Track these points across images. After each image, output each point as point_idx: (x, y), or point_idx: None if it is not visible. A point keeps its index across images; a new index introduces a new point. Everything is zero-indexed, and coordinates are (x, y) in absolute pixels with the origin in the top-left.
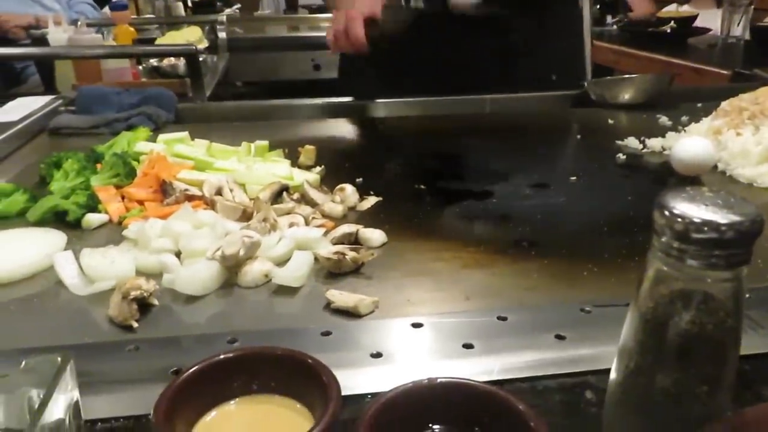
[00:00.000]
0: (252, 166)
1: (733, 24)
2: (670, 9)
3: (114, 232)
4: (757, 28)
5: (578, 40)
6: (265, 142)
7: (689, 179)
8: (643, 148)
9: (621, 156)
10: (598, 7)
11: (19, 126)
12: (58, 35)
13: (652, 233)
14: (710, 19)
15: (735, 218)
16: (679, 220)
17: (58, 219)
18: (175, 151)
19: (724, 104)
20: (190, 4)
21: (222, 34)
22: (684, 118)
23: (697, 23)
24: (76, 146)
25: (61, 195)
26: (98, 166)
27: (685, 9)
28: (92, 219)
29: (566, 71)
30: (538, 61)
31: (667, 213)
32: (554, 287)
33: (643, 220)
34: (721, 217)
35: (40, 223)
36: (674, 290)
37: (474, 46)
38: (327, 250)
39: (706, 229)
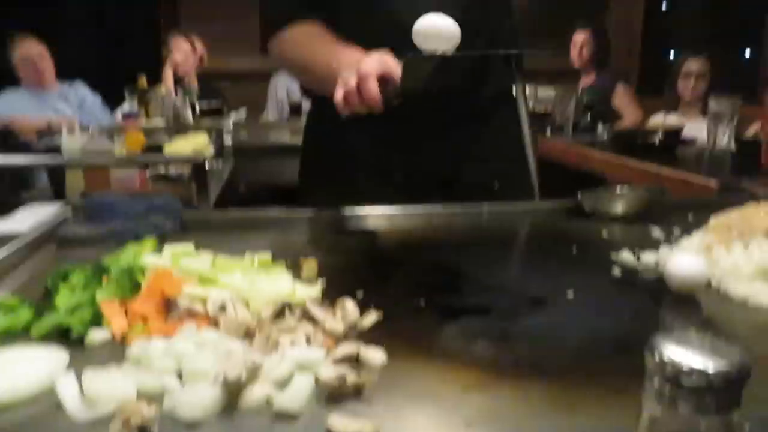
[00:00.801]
0: (255, 282)
1: (719, 135)
2: (658, 119)
3: (117, 350)
4: (742, 140)
5: (519, 146)
6: (268, 256)
7: (684, 296)
8: (638, 262)
9: (617, 271)
10: (589, 119)
11: (28, 237)
12: (71, 144)
13: (645, 375)
14: (697, 130)
15: (723, 366)
16: (670, 366)
17: (61, 334)
18: (180, 265)
19: (712, 221)
20: (198, 110)
21: (228, 140)
22: (676, 231)
23: (685, 133)
24: (83, 257)
25: (65, 310)
26: (104, 279)
27: (672, 119)
28: (95, 337)
29: (511, 181)
30: (479, 164)
31: (657, 358)
32: (556, 413)
33: (641, 342)
34: (710, 364)
35: (44, 338)
36: None
37: (421, 144)
38: (328, 373)
39: (695, 377)
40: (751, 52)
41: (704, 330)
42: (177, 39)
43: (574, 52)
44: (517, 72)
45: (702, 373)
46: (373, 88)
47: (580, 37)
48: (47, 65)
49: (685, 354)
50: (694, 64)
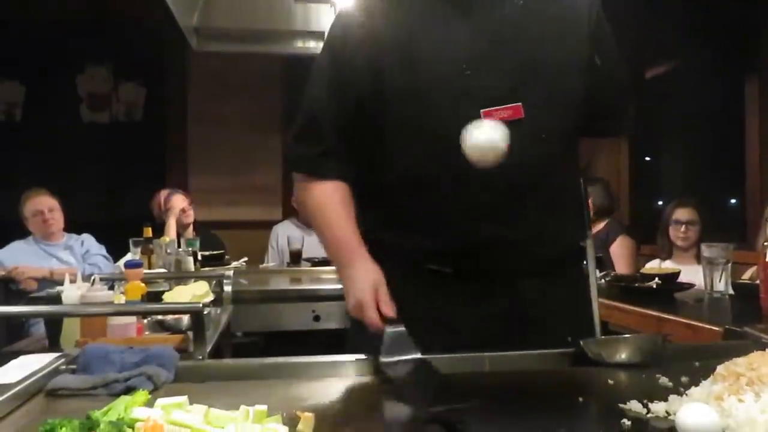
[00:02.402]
0: None
1: (715, 280)
2: (653, 265)
3: None
4: (738, 285)
5: (585, 301)
6: (264, 408)
7: None
8: (647, 413)
9: (626, 422)
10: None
11: (17, 388)
12: (71, 292)
13: None
14: (693, 274)
15: None
16: None
17: None
18: (172, 419)
19: (720, 368)
20: (200, 258)
21: (227, 288)
22: (684, 379)
23: (681, 278)
24: (72, 409)
25: None
26: None
27: (668, 264)
28: None
29: (577, 332)
30: (547, 322)
31: None
32: None
33: None
34: None
35: None
36: None
37: (483, 308)
38: None
39: None
40: (735, 201)
41: None
42: (176, 195)
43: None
44: (588, 227)
45: None
46: (373, 317)
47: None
48: (58, 219)
49: None
50: (682, 214)
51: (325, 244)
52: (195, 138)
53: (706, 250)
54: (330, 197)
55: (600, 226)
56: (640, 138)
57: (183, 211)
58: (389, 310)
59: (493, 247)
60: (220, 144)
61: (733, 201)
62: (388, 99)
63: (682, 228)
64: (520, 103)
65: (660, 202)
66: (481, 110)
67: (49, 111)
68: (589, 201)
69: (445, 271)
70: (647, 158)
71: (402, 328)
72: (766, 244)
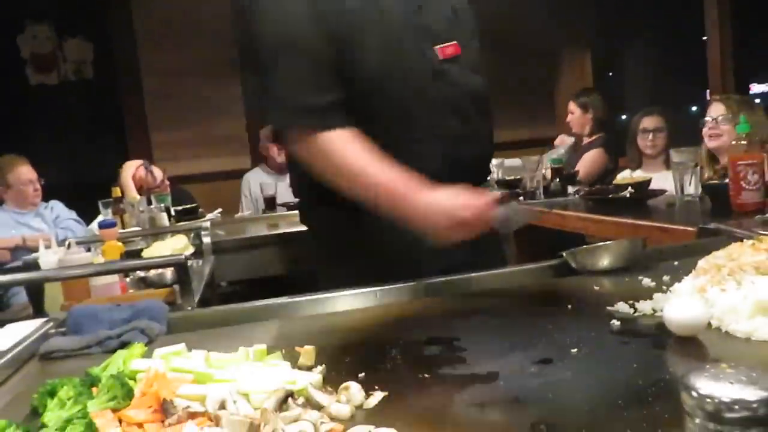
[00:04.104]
0: (253, 374)
1: (685, 184)
2: (625, 175)
3: None
4: (707, 186)
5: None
6: (263, 347)
7: (687, 340)
8: (634, 312)
9: (615, 322)
10: (558, 180)
11: (9, 355)
12: (48, 257)
13: (684, 414)
14: (663, 181)
15: (764, 393)
16: (709, 401)
17: None
18: (173, 366)
19: (701, 263)
20: (173, 213)
21: (206, 239)
22: (666, 278)
23: (652, 186)
24: (68, 370)
25: (56, 427)
26: (94, 390)
27: (638, 174)
28: None
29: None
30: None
31: (695, 394)
32: None
33: (654, 388)
34: (750, 393)
35: None
36: None
37: None
38: None
39: (737, 407)
40: (698, 108)
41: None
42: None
43: (571, 119)
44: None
45: (744, 403)
46: (484, 220)
47: (573, 107)
48: (38, 191)
49: (723, 387)
50: (649, 122)
51: (372, 196)
52: (151, 92)
53: (675, 155)
54: (353, 147)
55: (594, 138)
56: (601, 55)
57: (161, 183)
58: (488, 207)
59: (466, 166)
60: (178, 96)
61: (694, 108)
62: (353, 35)
63: (650, 136)
64: (455, 41)
65: (624, 117)
66: (434, 47)
67: None
68: (588, 113)
69: None
70: (609, 73)
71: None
72: (733, 143)
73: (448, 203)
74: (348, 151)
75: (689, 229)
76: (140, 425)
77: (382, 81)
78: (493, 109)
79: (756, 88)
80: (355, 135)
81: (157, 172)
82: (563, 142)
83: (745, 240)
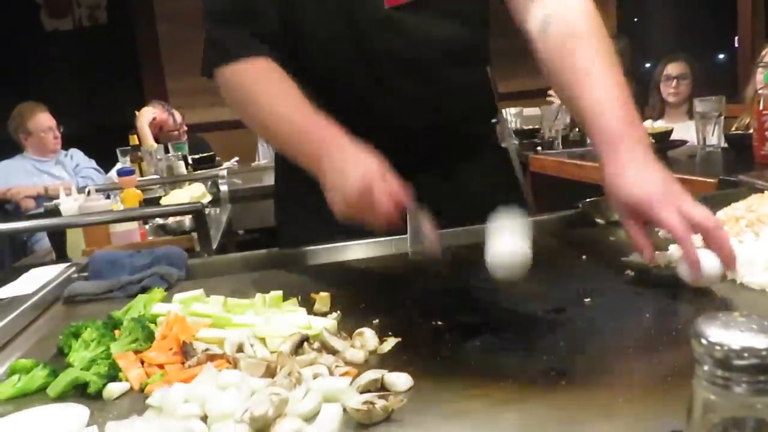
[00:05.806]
0: (270, 319)
1: (707, 135)
2: (646, 125)
3: (137, 401)
4: (731, 136)
5: (509, 173)
6: (279, 293)
7: (702, 290)
8: (649, 263)
9: (629, 272)
10: (576, 130)
11: (34, 298)
12: (69, 204)
13: (694, 361)
14: (685, 131)
15: None
16: (718, 348)
17: (79, 391)
18: (192, 310)
19: (720, 214)
20: (190, 161)
21: (224, 188)
22: None
23: (674, 136)
24: (91, 313)
25: (81, 366)
26: (116, 332)
27: (660, 124)
28: (113, 389)
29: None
30: (476, 198)
31: (704, 341)
32: (591, 420)
33: (666, 337)
34: (760, 341)
35: (61, 397)
36: (725, 418)
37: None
38: (355, 400)
39: (746, 355)
40: (725, 56)
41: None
42: (156, 106)
43: None
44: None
45: (754, 351)
46: (388, 210)
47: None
48: (58, 138)
49: (733, 335)
50: (673, 68)
51: (282, 139)
52: (166, 38)
53: (698, 105)
54: (268, 76)
55: None
56: None
57: (180, 127)
58: (403, 196)
59: (411, 130)
60: (193, 42)
61: (721, 56)
62: None
63: (674, 83)
64: None
65: (648, 65)
66: None
67: (6, 22)
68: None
69: None
70: (635, 19)
71: (422, 215)
72: (759, 92)
73: (352, 175)
74: (260, 82)
75: (710, 180)
76: (161, 366)
77: (319, 31)
78: (492, 61)
79: None
80: (275, 65)
81: (177, 115)
82: None
83: (766, 192)
